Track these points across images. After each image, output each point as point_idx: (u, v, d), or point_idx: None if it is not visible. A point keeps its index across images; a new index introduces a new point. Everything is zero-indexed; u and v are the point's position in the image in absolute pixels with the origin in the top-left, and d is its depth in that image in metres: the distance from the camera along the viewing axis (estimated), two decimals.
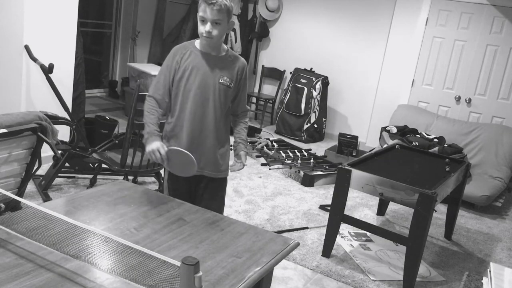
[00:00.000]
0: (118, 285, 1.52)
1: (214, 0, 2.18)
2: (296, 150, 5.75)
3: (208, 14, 2.21)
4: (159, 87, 2.40)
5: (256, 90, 7.55)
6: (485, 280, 2.20)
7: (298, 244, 2.04)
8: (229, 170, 2.54)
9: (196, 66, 2.35)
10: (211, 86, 2.36)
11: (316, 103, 6.63)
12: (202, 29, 2.25)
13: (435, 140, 5.18)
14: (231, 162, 2.56)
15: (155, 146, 2.27)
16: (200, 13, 2.23)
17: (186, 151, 2.24)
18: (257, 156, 5.51)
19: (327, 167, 5.23)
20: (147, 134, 2.32)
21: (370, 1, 6.46)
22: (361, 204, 4.60)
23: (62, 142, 3.96)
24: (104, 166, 3.96)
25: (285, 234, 3.44)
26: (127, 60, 7.63)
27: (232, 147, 2.55)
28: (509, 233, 4.41)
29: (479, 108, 5.87)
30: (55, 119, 3.28)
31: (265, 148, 5.68)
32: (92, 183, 3.95)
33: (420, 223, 3.00)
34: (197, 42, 2.40)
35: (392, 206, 4.57)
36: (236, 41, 7.42)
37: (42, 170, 3.98)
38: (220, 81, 2.36)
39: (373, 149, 5.50)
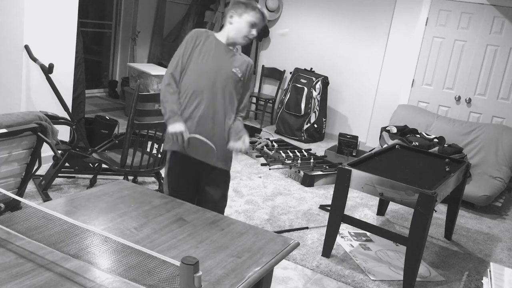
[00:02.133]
0: (118, 284, 1.52)
1: (266, 15, 2.62)
2: (296, 150, 5.75)
3: (260, 23, 2.56)
4: (178, 64, 2.53)
5: (256, 90, 7.55)
6: (485, 280, 2.20)
7: (298, 244, 2.04)
8: (231, 150, 2.58)
9: (215, 50, 2.55)
10: (224, 71, 2.54)
11: (316, 103, 6.63)
12: (249, 32, 2.54)
13: (435, 140, 5.18)
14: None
15: (178, 129, 2.40)
16: (252, 18, 2.52)
17: (208, 141, 2.34)
18: (257, 156, 5.51)
19: (327, 167, 5.23)
20: (169, 113, 2.43)
21: (370, 1, 6.46)
22: (361, 204, 4.60)
23: (62, 142, 3.96)
24: (104, 166, 3.96)
25: (285, 234, 3.44)
26: (127, 60, 7.63)
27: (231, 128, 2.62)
28: (509, 233, 4.41)
29: (479, 108, 5.87)
30: (55, 119, 3.28)
31: (265, 148, 5.68)
32: (92, 183, 3.95)
33: (420, 223, 3.00)
34: (216, 34, 2.60)
35: (392, 206, 4.57)
36: None
37: (42, 170, 3.98)
38: (233, 70, 2.55)
39: (373, 149, 5.50)
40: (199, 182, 2.68)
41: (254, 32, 2.54)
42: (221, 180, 2.70)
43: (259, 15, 2.53)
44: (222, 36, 2.59)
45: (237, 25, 2.53)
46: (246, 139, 2.55)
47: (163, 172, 4.48)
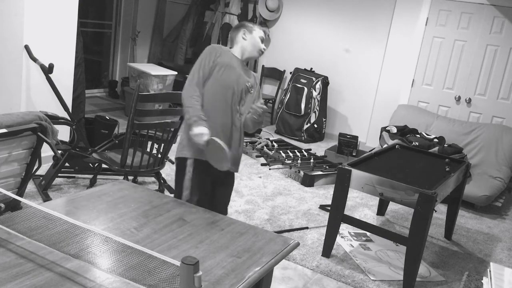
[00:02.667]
0: (118, 284, 1.52)
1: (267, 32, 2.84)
2: (296, 150, 5.75)
3: (265, 37, 2.85)
4: (200, 75, 2.66)
5: None
6: (485, 280, 2.21)
7: (298, 244, 2.04)
8: (253, 112, 2.73)
9: (233, 65, 2.73)
10: (241, 84, 2.74)
11: (316, 103, 6.63)
12: (262, 46, 2.81)
13: (435, 140, 5.18)
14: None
15: (203, 130, 2.54)
16: (260, 34, 2.81)
17: (225, 147, 2.48)
18: (257, 156, 5.51)
19: (327, 167, 5.23)
20: (196, 117, 2.57)
21: (370, 1, 6.46)
22: (361, 204, 4.60)
23: (62, 142, 3.96)
24: (104, 166, 3.96)
25: (285, 234, 3.44)
26: (127, 60, 7.63)
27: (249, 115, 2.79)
28: (509, 233, 4.41)
29: (479, 108, 5.87)
30: (55, 119, 3.28)
31: (265, 148, 5.68)
32: (92, 183, 3.95)
33: (420, 223, 3.00)
34: (231, 50, 2.79)
35: (392, 206, 4.57)
36: None
37: (42, 170, 3.98)
38: (247, 84, 2.76)
39: (373, 149, 5.50)
40: (214, 186, 2.84)
41: (264, 45, 2.82)
42: (230, 183, 2.92)
43: (263, 30, 2.84)
44: (236, 52, 2.79)
45: (251, 40, 2.77)
46: (259, 103, 2.77)
47: (163, 172, 4.48)
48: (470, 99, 5.90)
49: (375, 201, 4.63)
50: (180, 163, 2.75)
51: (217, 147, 2.48)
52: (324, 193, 4.73)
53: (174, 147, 3.52)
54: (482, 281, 2.42)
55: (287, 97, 6.83)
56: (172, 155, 4.58)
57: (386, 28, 6.35)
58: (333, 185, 3.41)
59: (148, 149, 3.89)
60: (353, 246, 3.67)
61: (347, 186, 3.27)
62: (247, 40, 2.78)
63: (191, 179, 2.71)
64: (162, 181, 4.08)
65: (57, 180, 4.04)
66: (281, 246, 1.95)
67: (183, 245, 1.83)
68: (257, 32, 2.80)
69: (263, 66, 7.44)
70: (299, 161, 5.33)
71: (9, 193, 1.87)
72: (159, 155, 3.72)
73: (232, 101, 2.70)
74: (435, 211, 3.18)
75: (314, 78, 6.63)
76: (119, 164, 3.57)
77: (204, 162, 2.68)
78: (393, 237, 3.26)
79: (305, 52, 7.08)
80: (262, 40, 2.82)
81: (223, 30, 7.54)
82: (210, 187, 2.81)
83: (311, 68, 6.92)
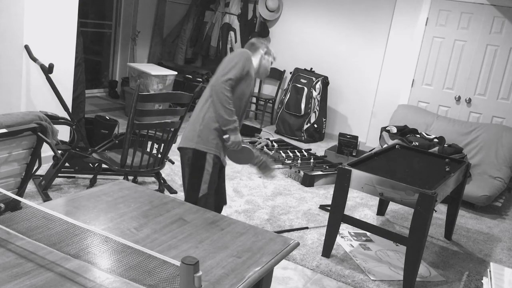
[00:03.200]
0: (118, 284, 1.52)
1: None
2: (296, 150, 5.75)
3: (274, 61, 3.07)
4: (235, 80, 2.75)
5: (256, 90, 7.55)
6: (485, 280, 2.21)
7: (298, 244, 2.04)
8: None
9: (253, 78, 2.90)
10: (251, 96, 2.99)
11: (316, 103, 6.63)
12: (268, 72, 3.04)
13: (435, 140, 5.18)
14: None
15: (240, 138, 2.84)
16: (272, 59, 3.02)
17: (252, 149, 2.90)
18: None
19: (327, 167, 5.23)
20: (236, 123, 2.79)
21: (370, 1, 6.46)
22: (361, 204, 4.60)
23: (62, 142, 3.96)
24: (104, 166, 3.96)
25: (285, 234, 3.44)
26: (127, 60, 7.63)
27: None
28: (509, 233, 4.41)
29: (479, 108, 5.87)
30: (55, 119, 3.28)
31: (265, 148, 5.68)
32: (92, 183, 3.95)
33: (420, 223, 3.00)
34: (253, 59, 2.92)
35: (392, 206, 4.57)
36: (236, 41, 7.42)
37: (42, 170, 3.98)
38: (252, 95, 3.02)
39: (373, 149, 5.50)
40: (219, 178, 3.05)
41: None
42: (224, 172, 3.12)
43: (274, 58, 3.03)
44: (255, 64, 2.93)
45: (266, 63, 2.96)
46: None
47: (163, 172, 4.48)
48: (470, 99, 5.90)
49: (375, 201, 4.63)
50: (198, 155, 2.84)
51: (244, 149, 2.90)
52: (324, 193, 4.73)
53: (174, 147, 3.53)
54: (482, 281, 2.42)
55: (287, 97, 6.83)
56: (172, 155, 4.59)
57: (386, 28, 6.35)
58: (333, 185, 3.41)
59: (148, 149, 3.89)
60: (353, 246, 3.67)
61: (347, 186, 3.27)
62: (265, 60, 2.95)
63: (211, 173, 2.84)
64: (162, 181, 4.08)
65: (57, 180, 4.04)
66: (281, 246, 1.95)
67: (183, 245, 1.83)
68: (271, 58, 2.99)
69: None
70: (299, 161, 5.33)
71: (9, 193, 1.87)
72: (159, 155, 3.72)
73: (244, 108, 2.93)
74: (435, 211, 3.18)
75: (314, 78, 6.63)
76: (119, 164, 3.57)
77: (218, 157, 2.86)
78: (393, 237, 3.26)
79: (305, 52, 7.08)
80: (272, 63, 3.03)
81: (223, 30, 7.54)
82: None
83: (311, 68, 6.92)
